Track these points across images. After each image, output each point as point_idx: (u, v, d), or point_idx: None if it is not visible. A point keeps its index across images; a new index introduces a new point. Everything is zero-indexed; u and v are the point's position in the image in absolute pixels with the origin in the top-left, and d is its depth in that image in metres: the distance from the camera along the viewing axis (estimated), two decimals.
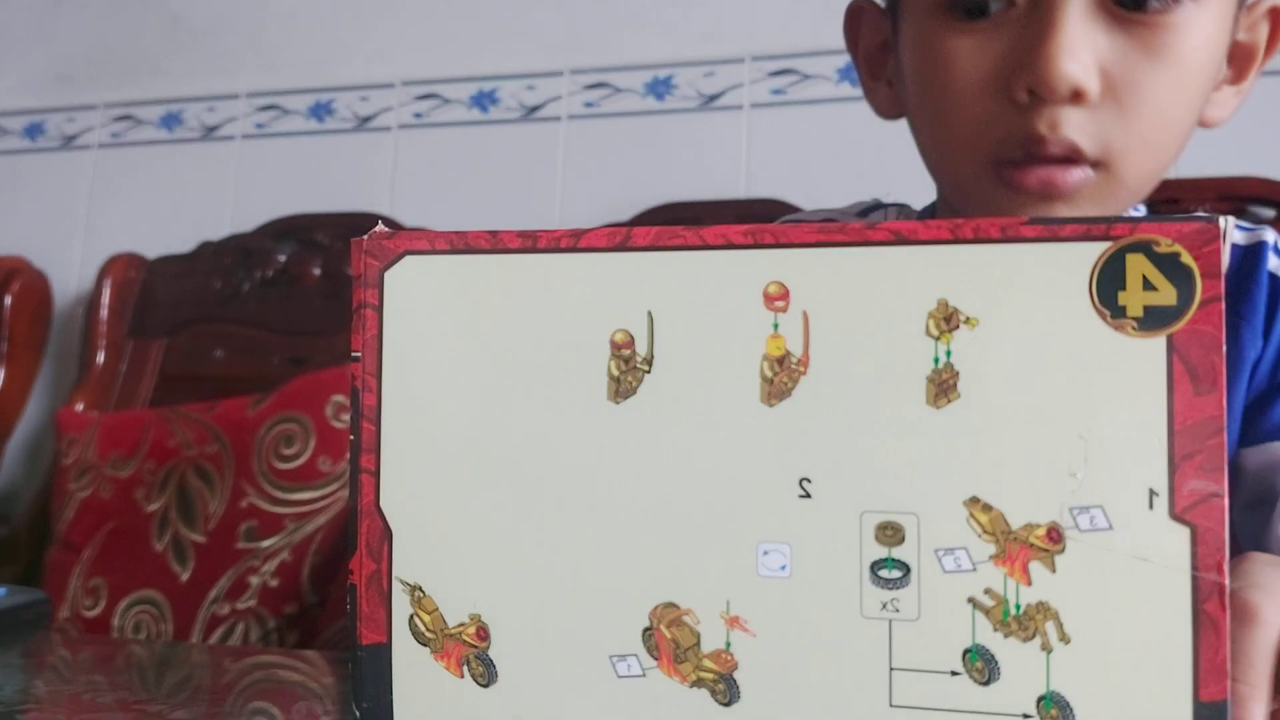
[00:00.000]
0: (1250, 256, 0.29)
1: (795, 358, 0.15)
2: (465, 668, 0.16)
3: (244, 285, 0.84)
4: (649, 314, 0.16)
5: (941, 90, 0.26)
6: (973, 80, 0.26)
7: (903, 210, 0.35)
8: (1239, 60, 0.29)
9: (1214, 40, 0.26)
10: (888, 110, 0.31)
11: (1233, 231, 0.29)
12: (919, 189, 0.33)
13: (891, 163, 0.31)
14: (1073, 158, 0.25)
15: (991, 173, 0.26)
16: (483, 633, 0.16)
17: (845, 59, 0.68)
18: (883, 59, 0.31)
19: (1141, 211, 0.30)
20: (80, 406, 0.82)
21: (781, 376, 0.15)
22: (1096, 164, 0.25)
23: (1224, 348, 0.14)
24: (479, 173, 0.85)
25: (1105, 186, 0.25)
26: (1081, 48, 0.24)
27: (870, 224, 0.15)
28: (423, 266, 0.16)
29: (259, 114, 0.92)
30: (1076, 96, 0.24)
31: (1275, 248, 0.30)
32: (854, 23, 0.32)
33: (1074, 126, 0.25)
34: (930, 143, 0.28)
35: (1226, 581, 0.14)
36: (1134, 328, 0.14)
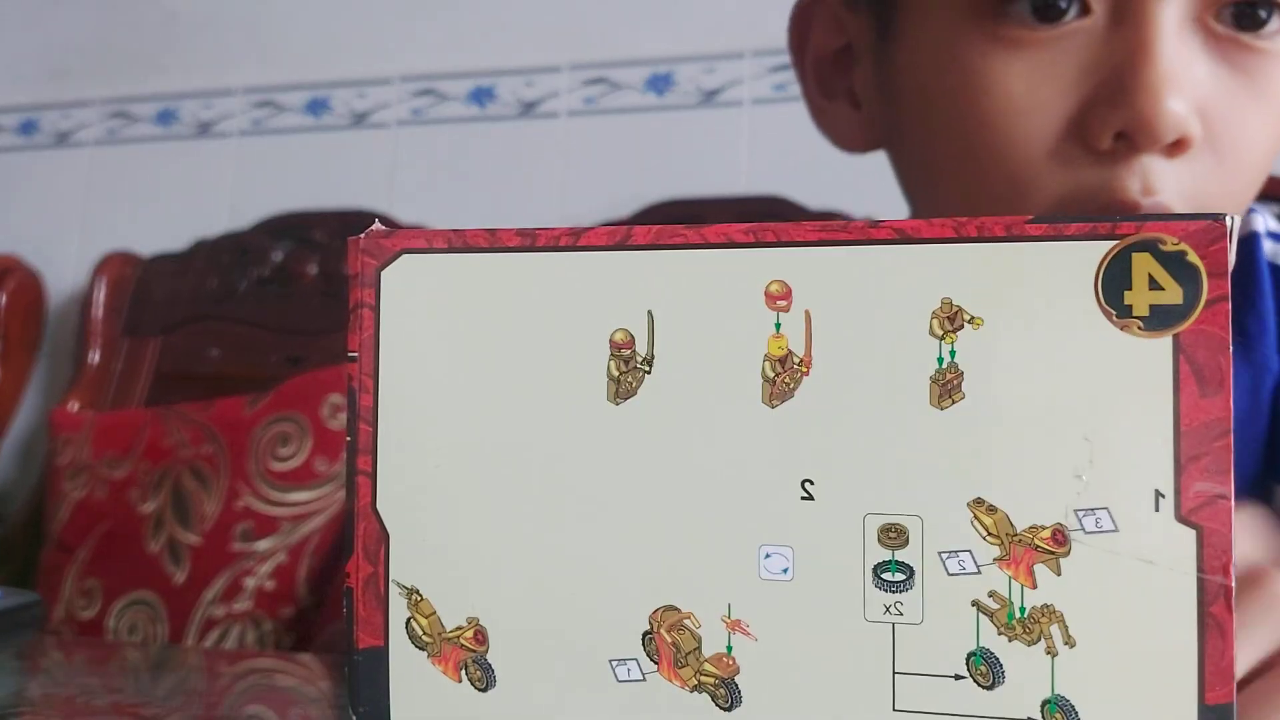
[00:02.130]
0: (1242, 251, 0.23)
1: (797, 358, 0.15)
2: (463, 672, 0.16)
3: (240, 284, 0.84)
4: (649, 313, 0.15)
5: (981, 123, 0.19)
6: (1030, 113, 0.18)
7: None
8: None
9: None
10: (852, 140, 0.23)
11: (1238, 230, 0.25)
12: None
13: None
14: None
15: None
16: (481, 636, 0.16)
17: None
18: (841, 72, 0.23)
19: None
20: (74, 406, 0.81)
21: (783, 377, 0.15)
22: None
23: (1231, 348, 0.14)
24: (477, 170, 0.85)
25: None
26: (1186, 79, 0.18)
27: (873, 222, 0.15)
28: (420, 265, 0.16)
29: (255, 110, 0.91)
30: (1177, 145, 0.18)
31: (1271, 234, 0.24)
32: (801, 25, 0.24)
33: (1168, 185, 0.18)
34: (950, 192, 0.20)
35: (1233, 584, 0.13)
36: (1140, 327, 0.14)
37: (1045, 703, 0.14)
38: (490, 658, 0.16)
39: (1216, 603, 0.13)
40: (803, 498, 0.15)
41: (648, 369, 0.15)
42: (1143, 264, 0.14)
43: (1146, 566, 0.14)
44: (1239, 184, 0.20)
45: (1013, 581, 0.14)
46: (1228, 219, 0.14)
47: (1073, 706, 0.14)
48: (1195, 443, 0.14)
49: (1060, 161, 0.19)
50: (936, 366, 0.14)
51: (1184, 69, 0.18)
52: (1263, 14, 0.18)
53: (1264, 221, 0.25)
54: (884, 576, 0.14)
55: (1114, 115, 0.18)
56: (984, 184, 0.20)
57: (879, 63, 0.22)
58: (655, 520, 0.15)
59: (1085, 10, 0.19)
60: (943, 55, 0.20)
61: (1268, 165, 0.21)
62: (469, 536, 0.16)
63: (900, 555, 0.14)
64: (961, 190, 0.21)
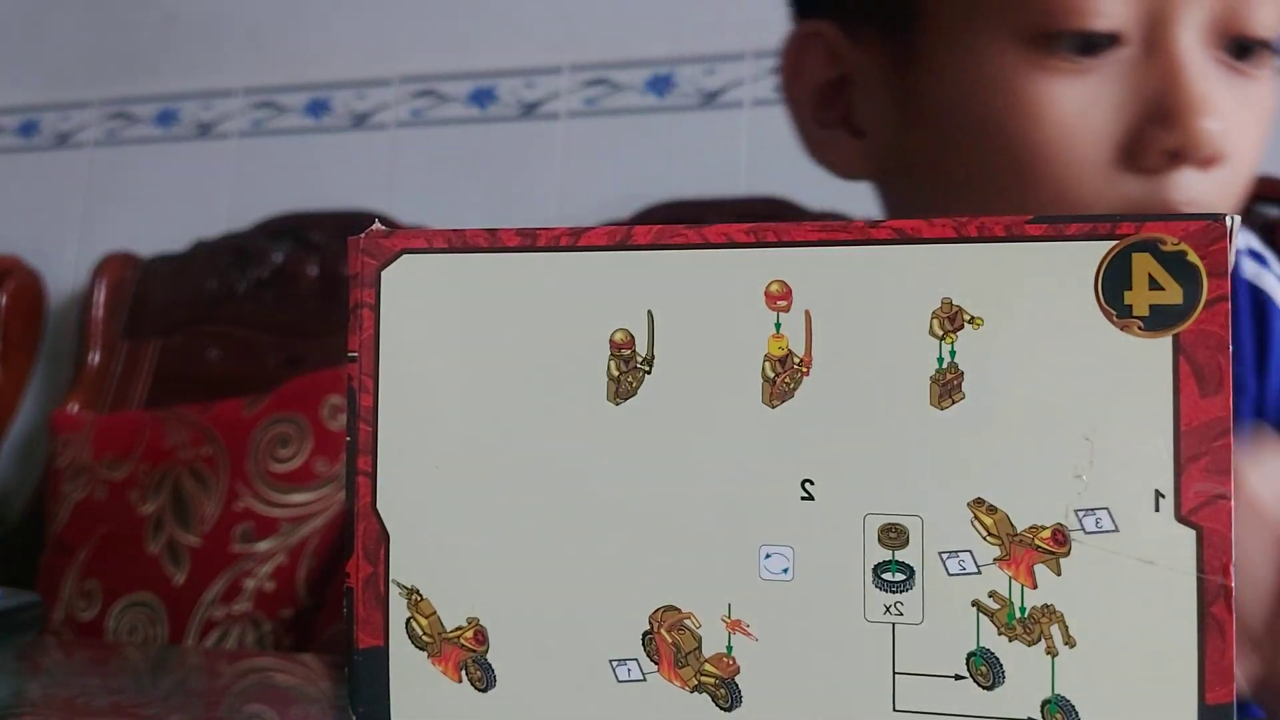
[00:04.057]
0: None
1: (797, 358, 0.15)
2: (463, 672, 0.16)
3: (239, 285, 0.84)
4: (649, 313, 0.15)
5: (1035, 145, 0.20)
6: (1083, 136, 0.20)
7: None
8: None
9: None
10: (854, 167, 0.24)
11: (1239, 230, 0.25)
12: None
13: None
14: None
15: None
16: (481, 636, 0.16)
17: None
18: (836, 101, 0.23)
19: None
20: (74, 407, 0.81)
21: (784, 377, 0.15)
22: None
23: (1230, 348, 0.14)
24: (477, 171, 0.85)
25: None
26: (1214, 99, 0.20)
27: (873, 222, 0.15)
28: (420, 265, 0.16)
29: (255, 111, 0.91)
30: (1212, 160, 0.20)
31: (1253, 253, 0.25)
32: (793, 58, 0.24)
33: (1206, 196, 0.20)
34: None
35: (1233, 584, 0.13)
36: (1140, 327, 0.14)
37: (1045, 703, 0.14)
38: (490, 658, 0.16)
39: (1217, 603, 0.13)
40: (803, 498, 0.15)
41: (648, 369, 0.15)
42: (1143, 264, 0.14)
43: (1147, 566, 0.14)
44: (1241, 194, 0.22)
45: (1013, 581, 0.14)
46: (1228, 219, 0.14)
47: (1073, 706, 0.14)
48: (1195, 442, 0.14)
49: (1108, 180, 0.20)
50: (937, 366, 0.14)
51: (1212, 90, 0.20)
52: (1252, 47, 0.21)
53: (1244, 240, 0.27)
54: (884, 576, 0.14)
55: (1164, 135, 0.20)
56: (1029, 203, 0.20)
57: (895, 91, 0.22)
58: (655, 520, 0.15)
59: (1120, 41, 0.20)
60: (986, 81, 0.20)
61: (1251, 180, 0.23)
62: (469, 536, 0.16)
63: (900, 555, 0.14)
64: (1000, 210, 0.22)
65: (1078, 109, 0.20)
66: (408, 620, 0.16)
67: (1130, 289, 0.14)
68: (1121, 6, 0.20)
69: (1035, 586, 0.14)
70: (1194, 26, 0.20)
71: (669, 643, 0.15)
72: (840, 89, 0.24)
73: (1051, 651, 0.14)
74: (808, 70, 0.24)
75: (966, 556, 0.14)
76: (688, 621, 0.15)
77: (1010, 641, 0.14)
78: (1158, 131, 0.20)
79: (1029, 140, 0.20)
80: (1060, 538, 0.14)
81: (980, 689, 0.14)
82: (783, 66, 0.25)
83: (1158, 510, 0.14)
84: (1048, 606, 0.14)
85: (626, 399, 0.15)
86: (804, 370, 0.15)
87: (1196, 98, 0.20)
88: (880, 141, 0.23)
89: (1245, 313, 0.25)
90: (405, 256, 0.16)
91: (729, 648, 0.15)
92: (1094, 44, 0.20)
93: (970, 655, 0.14)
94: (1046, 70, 0.20)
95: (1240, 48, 0.21)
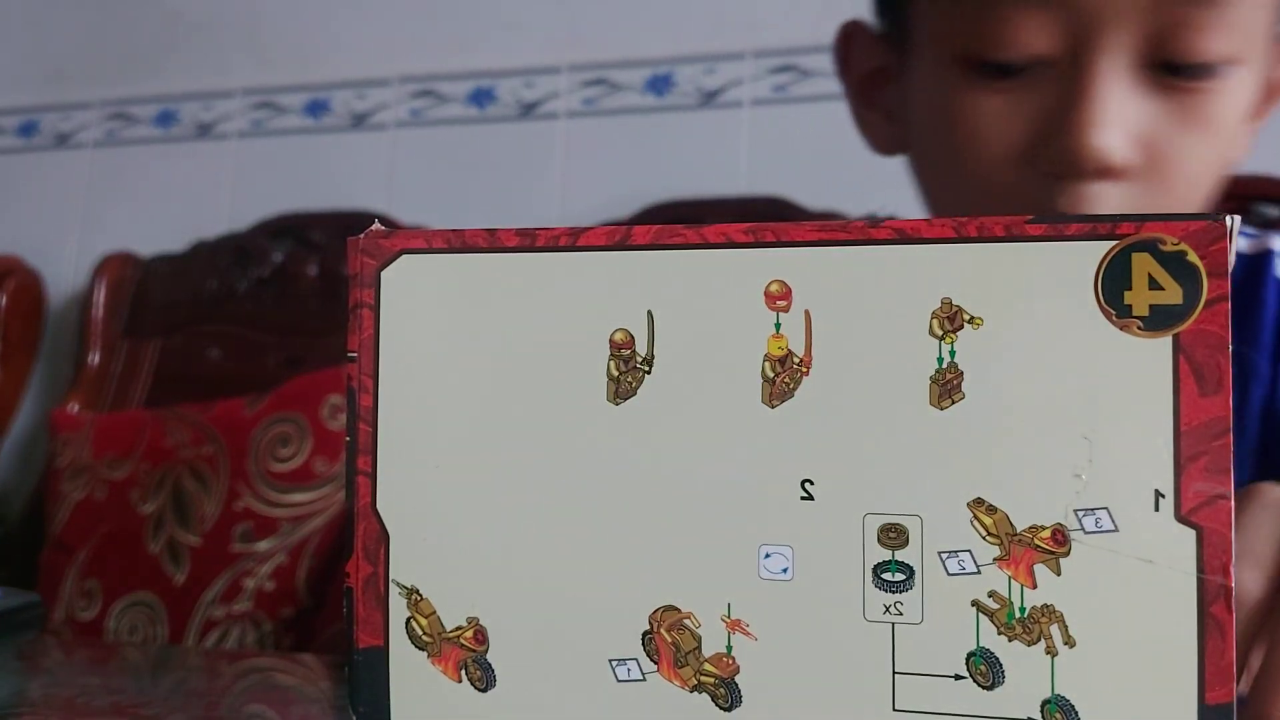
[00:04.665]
0: (1254, 267, 0.27)
1: (797, 358, 0.15)
2: (463, 671, 0.16)
3: (239, 285, 0.84)
4: (649, 313, 0.15)
5: (959, 153, 0.24)
6: (992, 144, 0.23)
7: None
8: (1264, 95, 0.27)
9: (1249, 100, 0.24)
10: (884, 145, 0.28)
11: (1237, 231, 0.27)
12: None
13: (893, 161, 0.31)
14: None
15: None
16: (480, 636, 0.16)
17: None
18: (878, 88, 0.28)
19: None
20: (74, 407, 0.81)
21: (783, 377, 0.15)
22: None
23: (1230, 348, 0.14)
24: (477, 171, 0.85)
25: None
26: (1117, 118, 0.22)
27: (873, 222, 0.15)
28: (420, 265, 0.16)
29: (255, 112, 0.91)
30: (1106, 172, 0.22)
31: None
32: (845, 46, 0.29)
33: (1102, 205, 0.22)
34: (935, 197, 0.26)
35: (1233, 584, 0.13)
36: (1140, 327, 0.14)
37: (1045, 702, 0.14)
38: (490, 657, 0.16)
39: (1216, 602, 0.13)
40: (802, 497, 0.15)
41: (647, 369, 0.15)
42: (1142, 264, 0.14)
43: (1146, 566, 0.14)
44: (1181, 201, 0.24)
45: (1012, 581, 0.14)
46: (1228, 219, 0.14)
47: (1072, 706, 0.14)
48: (1195, 442, 0.14)
49: (1015, 183, 0.23)
50: (936, 366, 0.14)
51: (1120, 109, 0.22)
52: (1193, 67, 0.23)
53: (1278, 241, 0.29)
54: (884, 576, 0.14)
55: (1052, 148, 0.23)
56: (961, 197, 0.25)
57: (901, 88, 0.27)
58: (655, 520, 0.15)
59: (1048, 62, 0.23)
60: (936, 96, 0.25)
61: (1213, 182, 0.25)
62: (469, 536, 0.16)
63: (900, 555, 0.14)
64: (944, 198, 0.26)
65: (997, 124, 0.23)
66: (408, 620, 0.16)
67: (1130, 289, 0.14)
68: (1044, 37, 0.22)
69: (1035, 586, 0.14)
70: (1120, 50, 0.22)
71: (669, 642, 0.15)
72: (881, 76, 0.28)
73: (1051, 651, 0.14)
74: (854, 59, 0.29)
75: (966, 556, 0.14)
76: (687, 621, 0.15)
77: (1010, 641, 0.14)
78: (1052, 142, 0.23)
79: (952, 140, 0.24)
80: (1060, 537, 0.14)
81: (980, 689, 0.14)
82: (835, 54, 0.30)
83: (1157, 510, 0.14)
84: (1047, 606, 0.14)
85: (626, 399, 0.15)
86: (804, 370, 0.15)
87: (1088, 113, 0.22)
88: (900, 127, 0.27)
89: (1273, 308, 0.27)
90: (405, 256, 0.16)
91: (729, 647, 0.15)
92: (1010, 69, 0.23)
93: (970, 655, 0.14)
94: (976, 87, 0.24)
95: (1177, 67, 0.23)
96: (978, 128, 0.24)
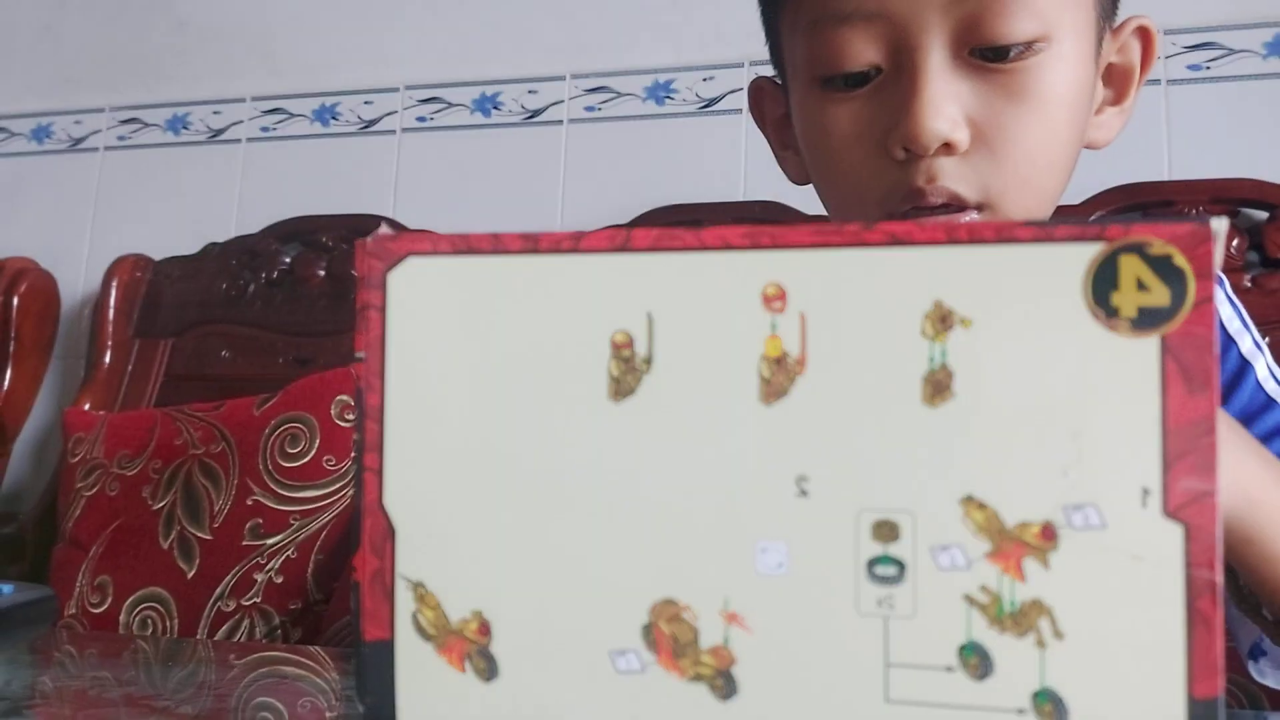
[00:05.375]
0: None
1: (793, 358, 0.15)
2: (468, 663, 0.16)
3: (249, 286, 0.85)
4: (649, 315, 0.16)
5: (827, 155, 0.28)
6: (854, 144, 0.27)
7: None
8: (1117, 81, 0.30)
9: (1077, 74, 0.27)
10: (796, 176, 0.33)
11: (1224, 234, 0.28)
12: None
13: None
14: (956, 204, 0.27)
15: None
16: (485, 628, 0.16)
17: None
18: (786, 129, 0.32)
19: None
20: (87, 406, 0.82)
21: (779, 377, 0.15)
22: (980, 207, 0.27)
23: (1216, 348, 0.14)
24: (481, 176, 0.86)
25: None
26: (946, 102, 0.26)
27: (866, 226, 0.15)
28: (426, 268, 0.17)
29: (264, 117, 0.92)
30: (946, 149, 0.26)
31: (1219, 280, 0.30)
32: (757, 99, 0.34)
33: (950, 176, 0.26)
34: (828, 203, 0.30)
35: (1219, 579, 0.14)
36: (1127, 328, 0.14)
37: (1035, 694, 0.14)
38: (494, 649, 0.16)
39: (1203, 597, 0.14)
40: (798, 494, 0.15)
41: (647, 369, 0.16)
42: (1130, 266, 0.14)
43: (1134, 562, 0.14)
44: (1020, 169, 0.27)
45: (1003, 576, 0.14)
46: (1214, 223, 0.14)
47: (1061, 698, 0.14)
48: (1181, 440, 0.14)
49: (878, 170, 0.27)
50: (928, 366, 0.15)
51: (947, 94, 0.26)
52: (1002, 48, 0.26)
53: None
54: (877, 571, 0.15)
55: (897, 135, 0.26)
56: (838, 191, 0.29)
57: (795, 123, 0.31)
58: (654, 515, 0.16)
59: (880, 71, 0.27)
60: (805, 116, 0.29)
61: (1055, 151, 0.27)
62: (474, 531, 0.16)
63: (892, 550, 0.15)
64: (828, 197, 0.30)
65: (851, 126, 0.27)
66: (414, 613, 0.16)
67: (1118, 290, 0.14)
68: (873, 48, 0.27)
69: (1024, 580, 0.14)
70: (936, 46, 0.26)
71: (667, 634, 0.15)
72: (787, 120, 0.32)
73: (1041, 644, 0.14)
74: (765, 108, 0.34)
75: (957, 551, 0.14)
76: (686, 614, 0.15)
77: (1000, 634, 0.14)
78: (895, 132, 0.26)
79: (826, 147, 0.28)
80: (1049, 533, 0.14)
81: (971, 680, 0.14)
82: (750, 105, 0.34)
83: (1145, 507, 0.14)
84: (1037, 600, 0.14)
85: (626, 398, 0.16)
86: (799, 370, 0.15)
87: (920, 102, 0.26)
88: (803, 157, 0.32)
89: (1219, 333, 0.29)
90: (411, 259, 0.17)
91: (726, 639, 0.15)
92: (856, 79, 0.27)
93: (961, 648, 0.14)
94: (832, 100, 0.28)
95: (990, 51, 0.26)
96: (841, 132, 0.28)
